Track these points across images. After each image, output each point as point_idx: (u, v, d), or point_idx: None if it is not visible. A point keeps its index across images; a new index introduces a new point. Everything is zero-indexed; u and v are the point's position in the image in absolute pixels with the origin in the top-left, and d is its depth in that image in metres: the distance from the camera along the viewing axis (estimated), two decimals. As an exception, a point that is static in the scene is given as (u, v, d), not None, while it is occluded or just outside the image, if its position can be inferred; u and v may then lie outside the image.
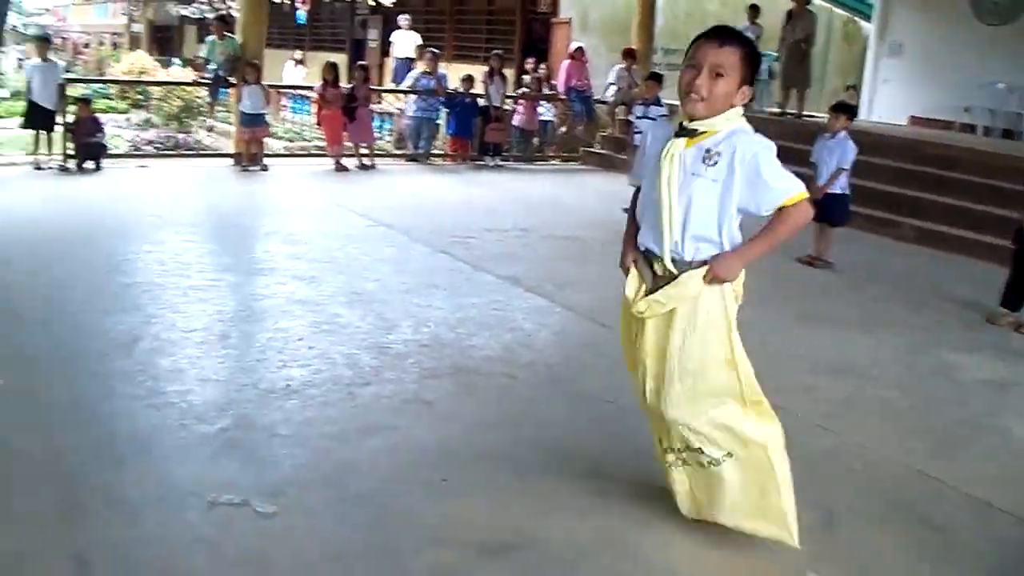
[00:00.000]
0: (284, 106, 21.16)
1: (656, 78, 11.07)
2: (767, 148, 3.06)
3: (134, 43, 37.00)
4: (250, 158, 12.13)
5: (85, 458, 3.76)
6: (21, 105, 12.11)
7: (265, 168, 12.10)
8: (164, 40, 36.35)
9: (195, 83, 15.38)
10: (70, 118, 11.30)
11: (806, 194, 3.06)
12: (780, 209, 3.06)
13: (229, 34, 12.50)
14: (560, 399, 4.80)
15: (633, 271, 3.35)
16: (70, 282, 6.30)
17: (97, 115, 11.81)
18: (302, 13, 23.65)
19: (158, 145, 16.05)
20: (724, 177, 3.06)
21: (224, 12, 20.17)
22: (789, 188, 3.04)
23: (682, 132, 3.12)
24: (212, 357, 4.99)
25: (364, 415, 4.36)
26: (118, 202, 9.41)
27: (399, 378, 4.85)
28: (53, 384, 4.55)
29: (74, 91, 12.10)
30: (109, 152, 11.81)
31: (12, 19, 28.90)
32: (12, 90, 22.38)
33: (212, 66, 12.69)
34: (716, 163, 3.07)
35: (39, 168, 10.99)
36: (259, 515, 3.37)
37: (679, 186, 3.12)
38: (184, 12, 29.70)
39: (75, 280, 6.36)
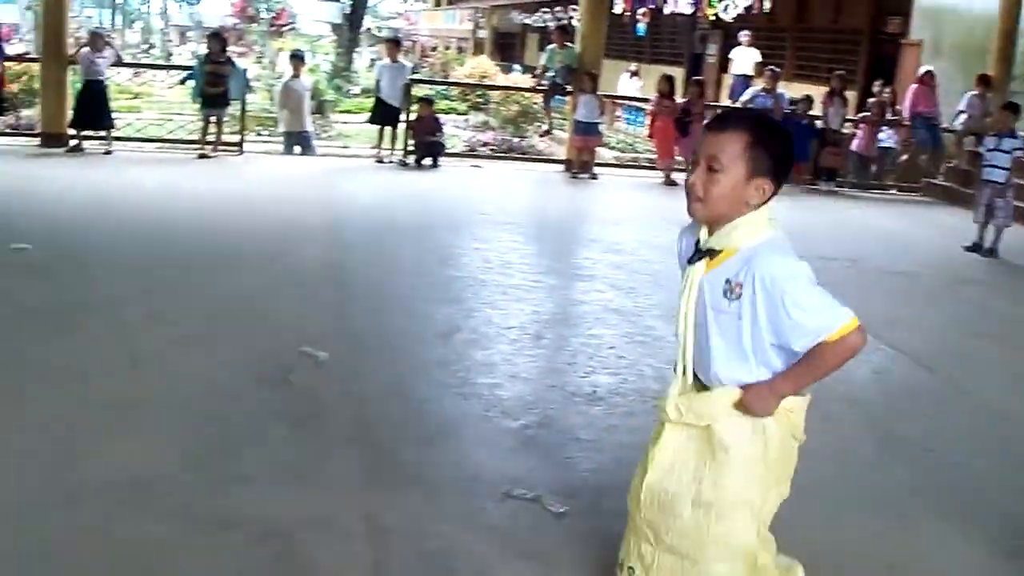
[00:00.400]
0: (618, 117, 21.48)
1: (1012, 108, 10.16)
2: (792, 276, 2.39)
3: (478, 48, 38.91)
4: (581, 166, 12.40)
5: (394, 433, 4.02)
6: (369, 102, 13.04)
7: (595, 177, 12.32)
8: (506, 46, 37.97)
9: (532, 89, 15.89)
10: (412, 116, 12.03)
11: (854, 324, 2.38)
12: (820, 344, 2.40)
13: (568, 44, 12.83)
14: (871, 440, 4.55)
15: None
16: (400, 269, 6.76)
17: (438, 115, 12.50)
18: (641, 25, 23.84)
19: (493, 147, 16.74)
20: (751, 314, 2.43)
21: (565, 22, 20.72)
22: (827, 325, 2.37)
23: (699, 253, 2.52)
24: (524, 355, 5.15)
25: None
26: (450, 198, 9.96)
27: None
28: (373, 362, 4.90)
29: (418, 91, 12.86)
30: (446, 151, 12.47)
31: (367, 22, 31.22)
32: (362, 87, 24.11)
33: (550, 73, 13.06)
34: (740, 296, 2.43)
35: (380, 162, 11.83)
36: (550, 513, 3.42)
37: (699, 323, 2.53)
38: (527, 20, 30.82)
39: (405, 268, 6.82)
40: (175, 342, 4.96)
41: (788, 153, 2.50)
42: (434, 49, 37.62)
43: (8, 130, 12.72)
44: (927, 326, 6.61)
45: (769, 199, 2.46)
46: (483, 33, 40.60)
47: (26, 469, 3.46)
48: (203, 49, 13.87)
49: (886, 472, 4.16)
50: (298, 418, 4.10)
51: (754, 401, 2.49)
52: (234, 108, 12.00)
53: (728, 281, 2.44)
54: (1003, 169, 9.35)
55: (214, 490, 3.42)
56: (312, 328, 5.27)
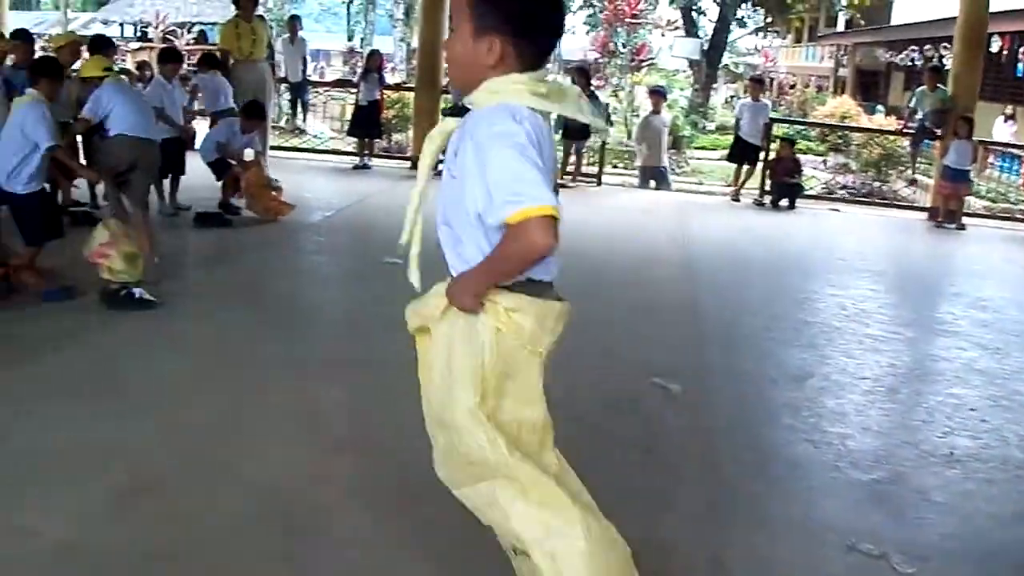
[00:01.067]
0: (991, 164, 20.15)
1: None
2: (498, 136, 2.13)
3: (839, 87, 37.75)
4: (947, 215, 11.78)
5: (742, 471, 4.08)
6: (725, 139, 13.10)
7: (962, 227, 11.66)
8: (869, 85, 36.55)
9: (898, 132, 15.27)
10: (772, 156, 11.95)
11: (543, 211, 2.06)
12: (507, 225, 2.12)
13: (941, 85, 12.21)
14: None
15: None
16: (754, 308, 6.80)
17: (797, 156, 12.33)
18: (1022, 64, 22.25)
19: (852, 191, 16.24)
20: (462, 181, 2.23)
21: (936, 62, 19.70)
22: (512, 200, 2.08)
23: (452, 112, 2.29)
24: (877, 408, 5.04)
25: (1025, 502, 4.10)
26: (806, 241, 9.84)
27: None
28: (724, 398, 5.00)
29: (778, 131, 12.75)
30: (804, 193, 12.28)
31: (725, 58, 31.18)
32: (718, 123, 24.14)
33: (918, 116, 12.50)
34: (456, 153, 2.28)
35: (736, 200, 11.85)
36: (896, 572, 3.34)
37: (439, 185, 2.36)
38: (892, 58, 29.56)
39: (759, 308, 6.85)
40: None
41: (528, 5, 2.24)
42: (792, 87, 37.00)
43: (382, 153, 13.91)
44: None
45: (513, 60, 2.24)
46: (844, 71, 39.41)
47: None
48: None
49: None
50: (646, 446, 4.26)
51: (453, 290, 2.32)
52: (594, 141, 12.49)
53: (455, 144, 2.30)
54: None
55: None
56: (663, 360, 5.43)
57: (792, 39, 47.77)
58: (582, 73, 12.41)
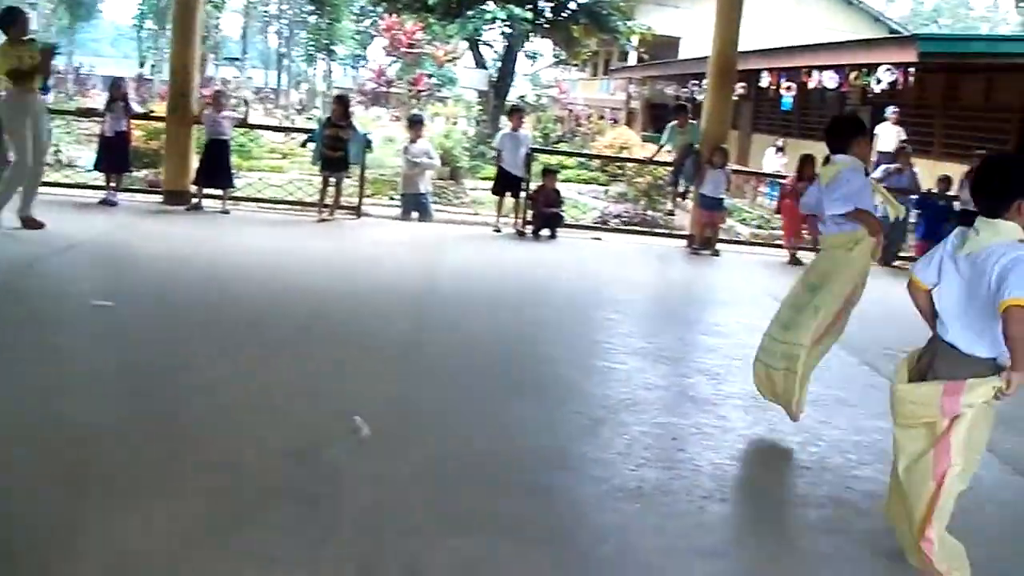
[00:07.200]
0: (761, 192, 21.02)
1: None
2: None
3: (631, 118, 38.86)
4: (703, 242, 12.07)
5: (402, 524, 3.81)
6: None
7: (716, 253, 11.97)
8: (658, 117, 37.76)
9: (650, 161, 15.57)
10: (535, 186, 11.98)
11: None
12: None
13: (692, 121, 12.53)
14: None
15: None
16: (479, 342, 6.66)
17: (558, 187, 12.39)
18: (787, 99, 23.38)
19: (624, 219, 16.56)
20: None
21: (684, 101, 20.37)
22: None
23: None
24: (578, 444, 4.91)
25: (703, 535, 4.01)
26: (558, 271, 9.82)
27: (760, 501, 4.45)
28: (418, 442, 4.70)
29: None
30: (568, 223, 12.36)
31: (525, 89, 31.72)
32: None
33: (667, 150, 12.75)
34: None
35: (498, 231, 11.82)
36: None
37: None
38: (677, 92, 30.64)
39: (485, 342, 6.73)
40: (216, 410, 4.91)
41: None
42: (589, 118, 37.84)
43: (133, 187, 13.19)
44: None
45: None
46: (636, 104, 40.67)
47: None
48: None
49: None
50: (311, 496, 3.96)
51: None
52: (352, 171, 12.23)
53: None
54: None
55: (212, 565, 3.32)
56: (369, 401, 5.13)
57: (589, 72, 48.98)
58: (340, 102, 12.12)
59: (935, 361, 3.60)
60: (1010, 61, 17.71)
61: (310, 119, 22.88)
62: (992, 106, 18.83)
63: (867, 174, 5.55)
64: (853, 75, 19.48)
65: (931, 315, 3.66)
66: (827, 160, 5.49)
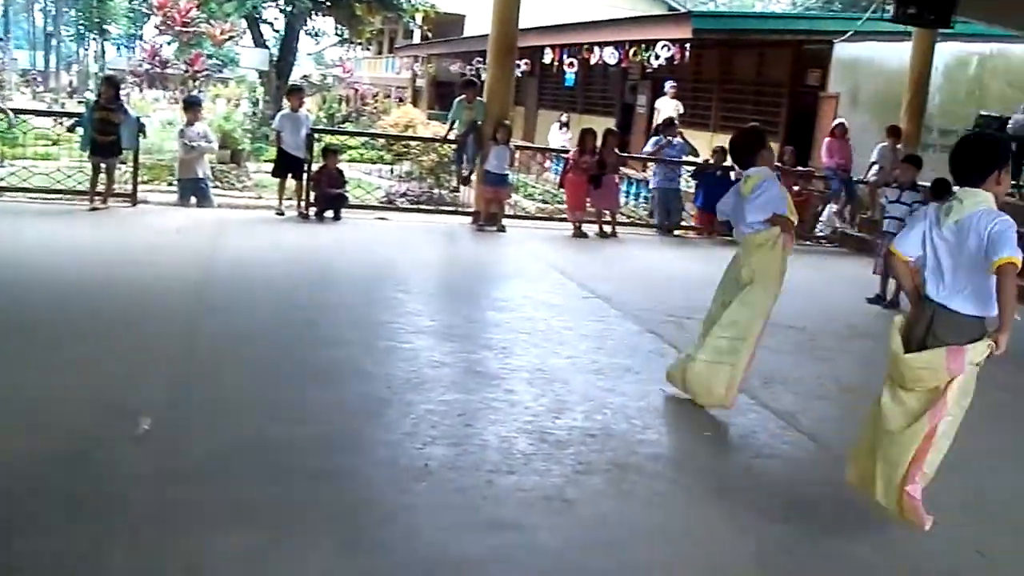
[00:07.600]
0: (546, 168, 21.37)
1: (914, 161, 10.00)
2: None
3: (416, 97, 38.76)
4: (488, 218, 12.12)
5: (183, 520, 3.65)
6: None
7: (502, 229, 12.02)
8: (445, 95, 37.84)
9: (433, 139, 15.54)
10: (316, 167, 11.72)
11: None
12: None
13: (480, 97, 12.54)
14: (720, 514, 4.28)
15: None
16: (257, 331, 6.47)
17: (341, 167, 12.18)
18: (571, 76, 23.86)
19: (410, 197, 16.49)
20: None
21: (472, 76, 20.45)
22: None
23: None
24: (369, 427, 4.84)
25: (493, 508, 4.04)
26: (339, 253, 9.63)
27: (547, 470, 4.49)
28: (200, 436, 4.53)
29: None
30: (353, 203, 12.18)
31: (310, 69, 31.02)
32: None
33: (457, 127, 12.75)
34: None
35: (281, 214, 11.49)
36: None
37: None
38: (462, 70, 30.75)
39: (265, 329, 6.53)
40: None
41: None
42: (375, 97, 37.48)
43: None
44: (808, 384, 6.41)
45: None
46: (421, 82, 40.58)
47: None
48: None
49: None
50: (82, 500, 3.74)
51: None
52: (126, 156, 11.66)
53: None
54: (901, 221, 9.17)
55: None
56: (146, 396, 4.93)
57: (375, 50, 48.45)
58: (110, 84, 11.48)
59: (933, 326, 3.99)
60: (780, 38, 18.70)
61: (81, 102, 21.65)
62: (764, 80, 19.85)
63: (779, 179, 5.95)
64: (632, 51, 20.04)
65: (912, 285, 4.14)
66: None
